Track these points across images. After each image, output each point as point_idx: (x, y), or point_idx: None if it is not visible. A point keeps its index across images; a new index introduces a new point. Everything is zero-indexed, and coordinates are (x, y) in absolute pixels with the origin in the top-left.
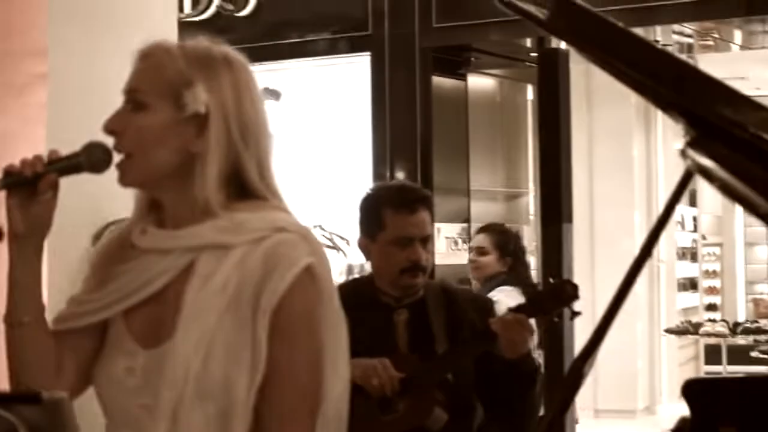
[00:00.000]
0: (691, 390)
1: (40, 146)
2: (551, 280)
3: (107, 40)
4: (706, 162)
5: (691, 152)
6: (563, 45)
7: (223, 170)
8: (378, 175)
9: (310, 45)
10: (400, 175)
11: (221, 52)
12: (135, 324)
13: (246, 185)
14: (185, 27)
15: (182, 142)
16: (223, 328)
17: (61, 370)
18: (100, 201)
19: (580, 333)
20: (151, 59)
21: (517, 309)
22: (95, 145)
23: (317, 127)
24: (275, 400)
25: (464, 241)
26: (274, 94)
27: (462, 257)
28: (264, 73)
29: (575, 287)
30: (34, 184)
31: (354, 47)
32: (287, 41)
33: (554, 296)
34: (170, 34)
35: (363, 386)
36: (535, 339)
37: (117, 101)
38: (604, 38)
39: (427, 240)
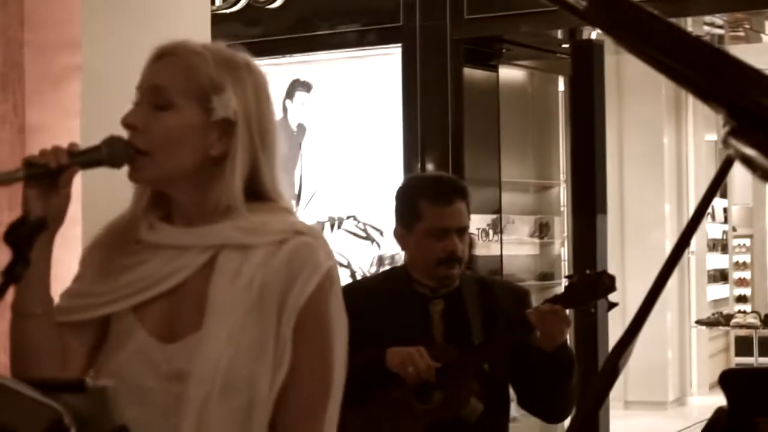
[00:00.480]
0: (729, 380)
1: (74, 138)
2: (588, 271)
3: (141, 33)
4: (749, 151)
5: (733, 141)
6: (594, 35)
7: (245, 173)
8: (409, 166)
9: (341, 37)
10: (430, 167)
11: (243, 58)
12: (148, 318)
13: (258, 187)
14: (216, 19)
15: (204, 145)
16: (248, 326)
17: (66, 362)
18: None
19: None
20: (177, 59)
21: (554, 300)
22: (116, 140)
23: (349, 119)
24: (294, 397)
25: (495, 233)
26: (305, 86)
27: (493, 248)
28: (295, 65)
29: (612, 278)
30: (55, 176)
31: (385, 39)
32: (318, 33)
33: (591, 287)
34: (203, 27)
35: (400, 374)
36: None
37: None
38: (642, 28)
39: (463, 231)
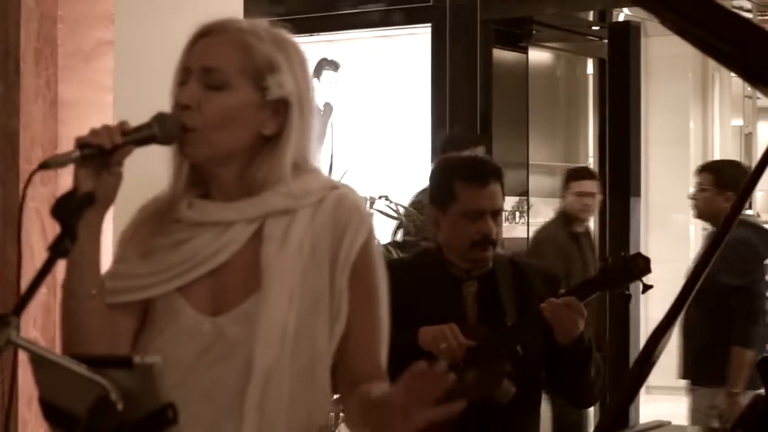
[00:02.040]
0: (767, 367)
1: (107, 112)
2: (623, 253)
3: (173, 9)
4: None
5: None
6: (622, 17)
7: (296, 151)
8: (436, 147)
9: (370, 15)
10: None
11: (289, 37)
12: (194, 295)
13: (299, 160)
14: None
15: (258, 124)
16: (305, 286)
17: (117, 343)
18: (161, 172)
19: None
20: (228, 37)
21: (588, 282)
22: (166, 117)
23: (377, 98)
24: (358, 343)
25: (521, 215)
26: (333, 65)
27: (519, 230)
28: (322, 44)
29: (647, 261)
30: (108, 155)
31: (415, 18)
32: (346, 12)
33: (626, 270)
34: (236, 3)
35: (432, 352)
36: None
37: None
38: (691, 9)
39: (498, 213)
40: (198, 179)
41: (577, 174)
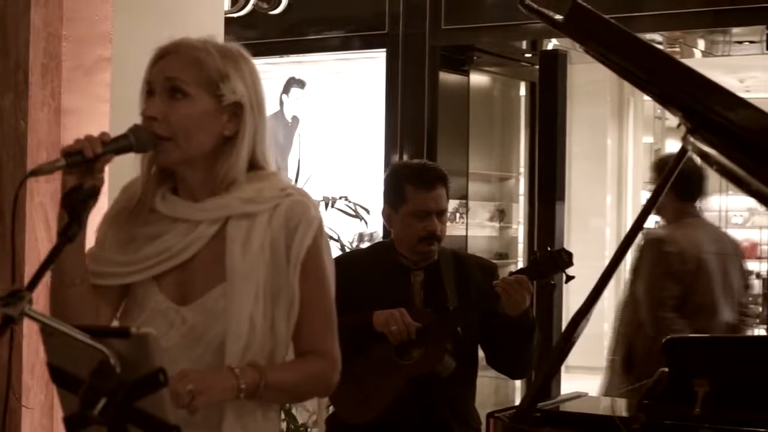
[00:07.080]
0: (671, 347)
1: (104, 121)
2: (549, 249)
3: (165, 30)
4: (706, 149)
5: (691, 140)
6: (551, 46)
7: (249, 149)
8: (389, 156)
9: (333, 41)
10: (406, 157)
11: (236, 48)
12: (165, 284)
13: (253, 158)
14: (225, 22)
15: (218, 128)
16: (267, 283)
17: (98, 320)
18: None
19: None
20: (185, 54)
21: (519, 272)
22: (140, 128)
23: (338, 113)
24: (310, 329)
25: (461, 216)
26: (300, 83)
27: (459, 229)
28: (291, 65)
29: (570, 255)
30: (91, 163)
31: (372, 44)
32: (313, 37)
33: (552, 262)
34: (218, 27)
35: (384, 332)
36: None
37: None
38: (612, 40)
39: (442, 213)
40: (167, 174)
41: None
